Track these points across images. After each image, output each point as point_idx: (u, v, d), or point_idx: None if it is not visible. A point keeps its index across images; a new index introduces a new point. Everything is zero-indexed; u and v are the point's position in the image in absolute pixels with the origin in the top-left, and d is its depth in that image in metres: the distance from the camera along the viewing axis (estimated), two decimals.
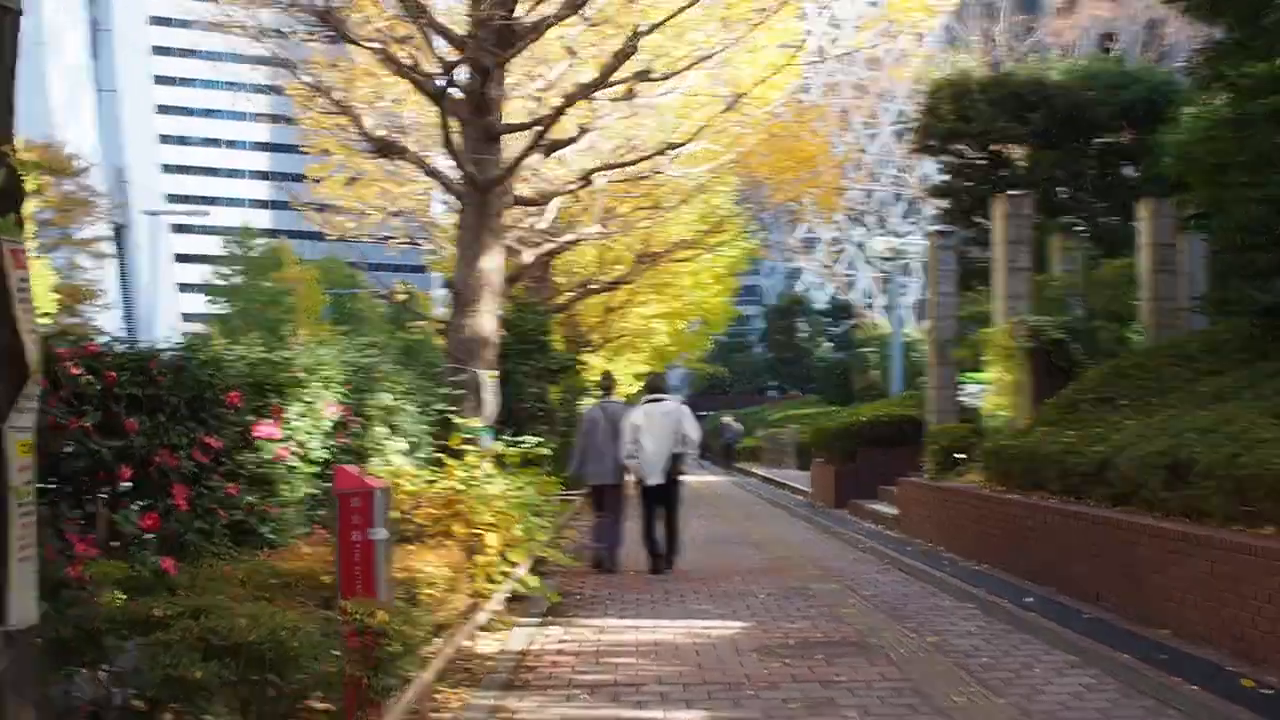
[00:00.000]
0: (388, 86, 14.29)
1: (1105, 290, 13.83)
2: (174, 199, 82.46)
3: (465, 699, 5.43)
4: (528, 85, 12.51)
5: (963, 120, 18.77)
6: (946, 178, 21.58)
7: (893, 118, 43.98)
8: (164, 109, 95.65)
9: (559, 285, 20.16)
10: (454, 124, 9.90)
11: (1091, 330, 13.03)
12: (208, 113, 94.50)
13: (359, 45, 9.81)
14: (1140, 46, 28.09)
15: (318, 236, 23.88)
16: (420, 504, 6.65)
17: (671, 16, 9.62)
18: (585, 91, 9.84)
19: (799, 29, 14.81)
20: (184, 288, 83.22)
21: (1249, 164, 8.92)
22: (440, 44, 10.05)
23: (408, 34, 10.12)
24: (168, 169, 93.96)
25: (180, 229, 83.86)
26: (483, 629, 6.69)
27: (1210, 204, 10.07)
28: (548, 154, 11.25)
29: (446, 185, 11.32)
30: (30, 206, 31.42)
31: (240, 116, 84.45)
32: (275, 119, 39.30)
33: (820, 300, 68.46)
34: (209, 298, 60.77)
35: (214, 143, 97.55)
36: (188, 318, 72.19)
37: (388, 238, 21.43)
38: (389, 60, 9.71)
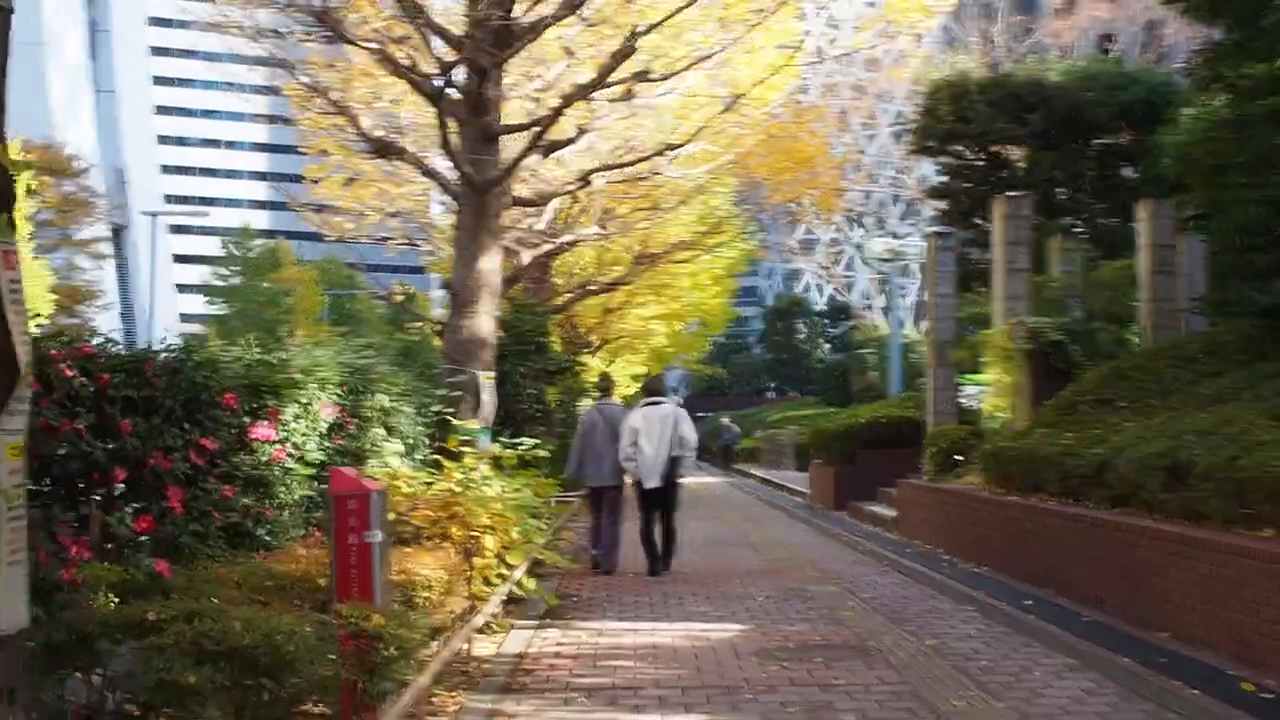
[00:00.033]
0: (385, 87, 14.26)
1: (1104, 292, 13.81)
2: (173, 199, 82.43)
3: (462, 702, 5.40)
4: (525, 86, 12.49)
5: (961, 121, 18.76)
6: (945, 179, 21.56)
7: (891, 119, 44.00)
8: (163, 109, 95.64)
9: (557, 286, 20.14)
10: (452, 124, 9.88)
11: (1090, 332, 13.02)
12: (206, 113, 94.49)
13: (356, 45, 9.79)
14: (1139, 47, 28.09)
15: (316, 237, 23.86)
16: (417, 506, 6.62)
17: (669, 17, 9.59)
18: (583, 92, 9.82)
19: (797, 29, 14.78)
20: (182, 288, 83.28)
21: (1248, 165, 8.90)
22: (438, 44, 10.03)
23: (405, 34, 10.10)
24: (166, 170, 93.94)
25: (179, 229, 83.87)
26: (480, 631, 6.66)
27: (1209, 205, 10.06)
28: (546, 155, 11.22)
29: (444, 186, 11.29)
30: (29, 207, 31.14)
31: (239, 117, 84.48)
32: (272, 119, 39.23)
33: (819, 302, 68.50)
34: (207, 298, 60.73)
35: (213, 143, 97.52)
36: (186, 318, 72.13)
37: (386, 239, 21.40)
38: (386, 60, 9.69)
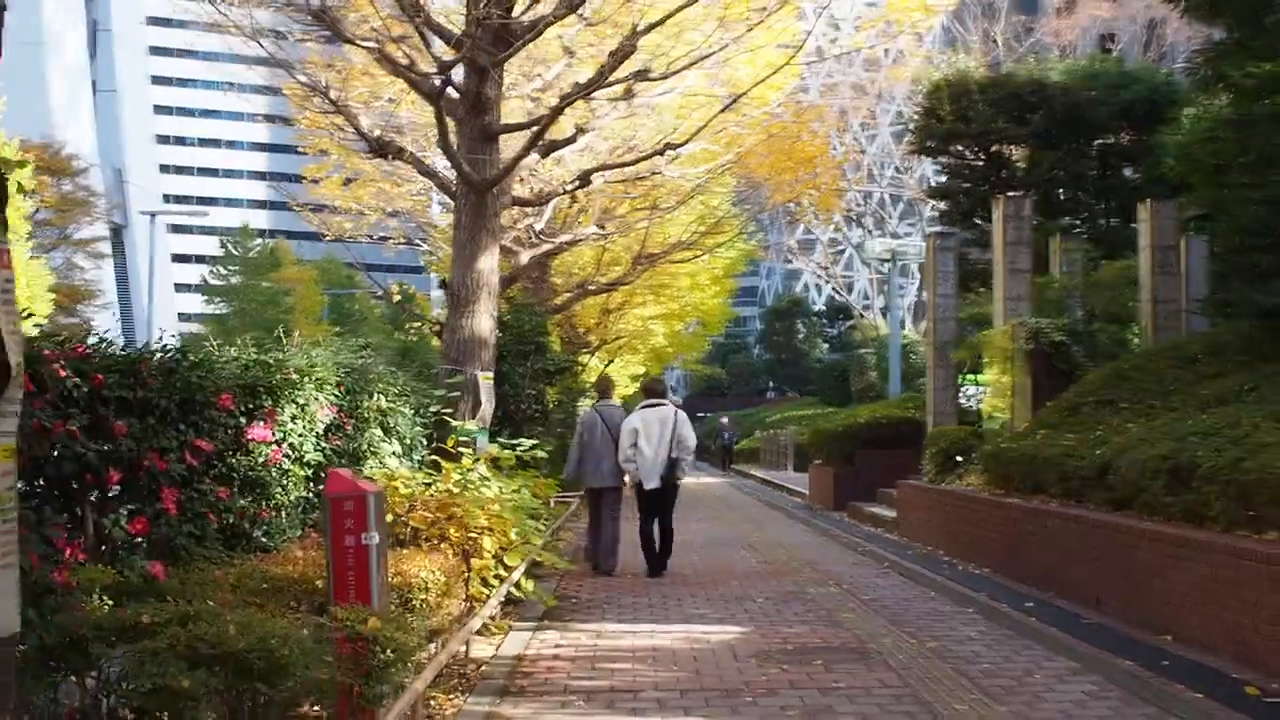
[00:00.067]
0: (384, 86, 14.23)
1: (1105, 292, 13.78)
2: (172, 199, 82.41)
3: (460, 705, 5.37)
4: (525, 85, 12.46)
5: (962, 121, 18.72)
6: (945, 179, 21.54)
7: (891, 118, 44.00)
8: (162, 109, 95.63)
9: (556, 286, 20.10)
10: (450, 124, 9.83)
11: (1091, 332, 12.99)
12: (206, 113, 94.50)
13: (355, 44, 9.74)
14: (1140, 47, 28.07)
15: (316, 237, 23.84)
16: (415, 507, 6.58)
17: (670, 16, 9.54)
18: (583, 91, 9.77)
19: (798, 29, 14.74)
20: (181, 288, 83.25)
21: (1251, 165, 8.87)
22: (437, 43, 9.99)
23: (404, 33, 10.06)
24: (165, 169, 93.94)
25: (178, 229, 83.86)
26: (478, 633, 6.63)
27: (1211, 205, 10.03)
28: (545, 154, 11.18)
29: (443, 185, 11.25)
30: (28, 206, 31.03)
31: (239, 117, 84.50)
32: (271, 119, 39.22)
33: (818, 302, 68.47)
34: (206, 298, 60.70)
35: (212, 143, 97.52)
36: (185, 318, 72.11)
37: (385, 238, 21.37)
38: (385, 59, 9.64)
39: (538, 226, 15.20)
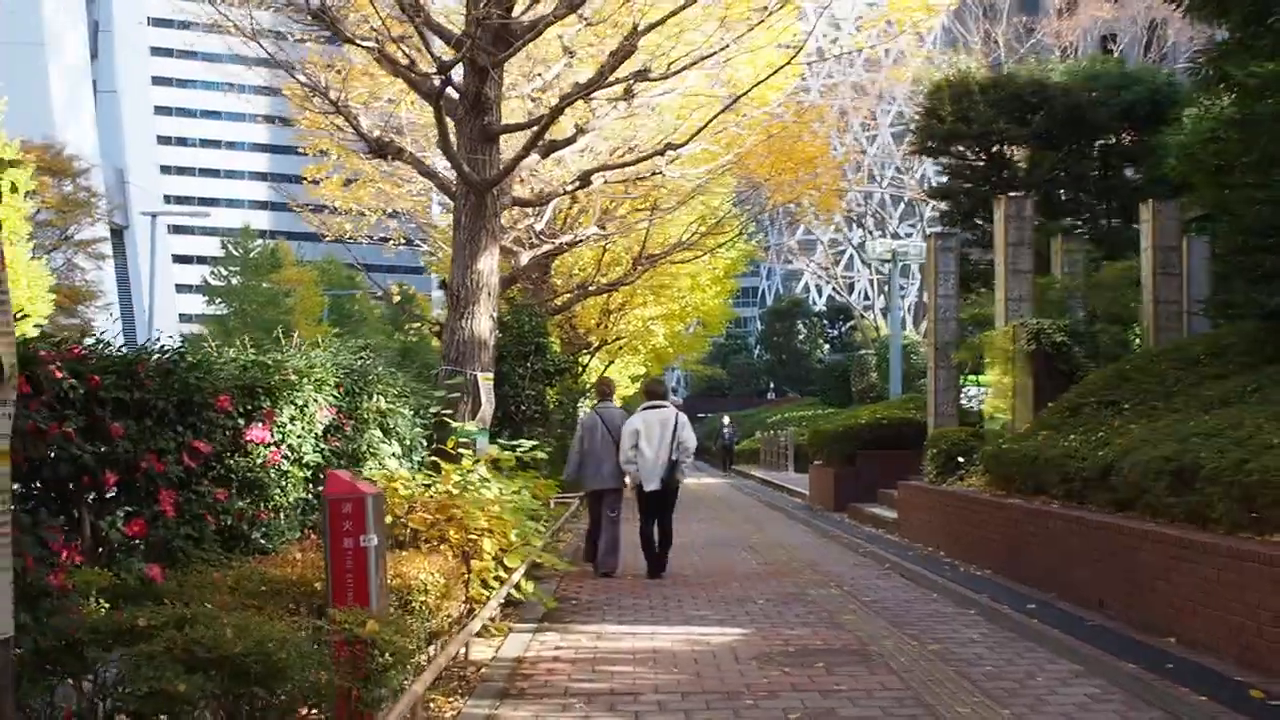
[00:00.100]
0: (384, 87, 14.21)
1: (1106, 293, 13.76)
2: (173, 200, 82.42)
3: (459, 708, 5.34)
4: (525, 85, 12.43)
5: (963, 121, 18.71)
6: (946, 179, 21.52)
7: (892, 119, 43.97)
8: (163, 110, 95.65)
9: (557, 287, 20.07)
10: (450, 124, 9.80)
11: (1093, 333, 12.97)
12: (207, 114, 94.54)
13: (354, 44, 9.71)
14: (1141, 48, 28.04)
15: (316, 237, 23.82)
16: (414, 508, 6.55)
17: (670, 15, 9.52)
18: (583, 91, 9.74)
19: (798, 29, 14.71)
20: (182, 289, 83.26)
21: (1255, 165, 8.84)
22: (437, 43, 9.96)
23: (404, 33, 10.03)
24: (166, 170, 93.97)
25: (178, 230, 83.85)
26: (477, 635, 6.60)
27: (1215, 206, 10.00)
28: (545, 155, 11.15)
29: (443, 186, 11.22)
30: (29, 207, 31.03)
31: (239, 118, 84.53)
32: (271, 119, 39.22)
33: (818, 302, 68.46)
34: (207, 299, 60.69)
35: (213, 144, 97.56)
36: (185, 319, 72.11)
37: (385, 239, 21.35)
38: (385, 59, 9.62)
39: (538, 227, 15.18)
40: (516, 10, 9.82)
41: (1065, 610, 7.88)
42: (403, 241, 22.09)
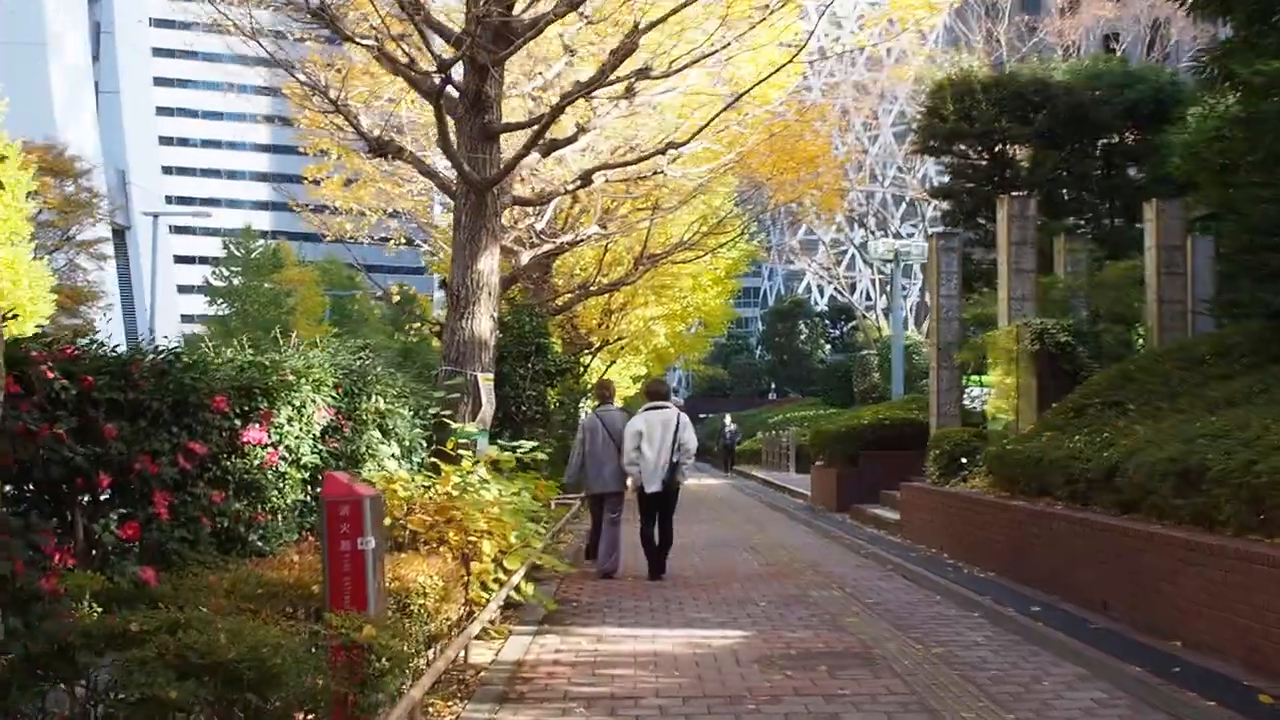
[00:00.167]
0: (384, 85, 14.16)
1: (1110, 292, 13.70)
2: (174, 200, 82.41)
3: (458, 712, 5.29)
4: (525, 84, 12.37)
5: (965, 120, 18.65)
6: (948, 179, 21.45)
7: (894, 118, 43.90)
8: (165, 110, 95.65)
9: (558, 287, 20.02)
10: (450, 123, 9.75)
11: (1097, 333, 12.90)
12: (209, 114, 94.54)
13: (354, 42, 9.65)
14: (1144, 47, 27.97)
15: (318, 238, 23.79)
16: (413, 510, 6.50)
17: (671, 14, 9.46)
18: (584, 89, 9.68)
19: (800, 27, 14.66)
20: (184, 289, 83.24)
21: (1260, 163, 8.78)
22: (437, 42, 9.91)
23: (404, 31, 9.98)
24: (168, 170, 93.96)
25: (180, 230, 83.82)
26: (477, 638, 6.54)
27: (1219, 204, 9.94)
28: (546, 153, 11.09)
29: (443, 185, 11.16)
30: (30, 208, 30.98)
31: (241, 118, 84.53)
32: (271, 119, 39.18)
33: (820, 303, 68.39)
34: (209, 299, 60.68)
35: (215, 144, 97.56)
36: (187, 319, 72.08)
37: (386, 239, 21.31)
38: (385, 58, 9.56)
39: (539, 226, 15.12)
40: (517, 8, 9.76)
41: (1070, 613, 7.82)
42: (403, 241, 22.05)
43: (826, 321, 61.35)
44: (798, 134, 19.10)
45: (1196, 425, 7.54)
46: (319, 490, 5.17)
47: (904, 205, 44.56)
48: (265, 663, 3.48)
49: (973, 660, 6.30)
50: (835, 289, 54.59)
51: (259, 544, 5.54)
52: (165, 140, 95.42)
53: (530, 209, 14.23)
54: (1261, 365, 8.91)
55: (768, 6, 10.13)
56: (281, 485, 5.76)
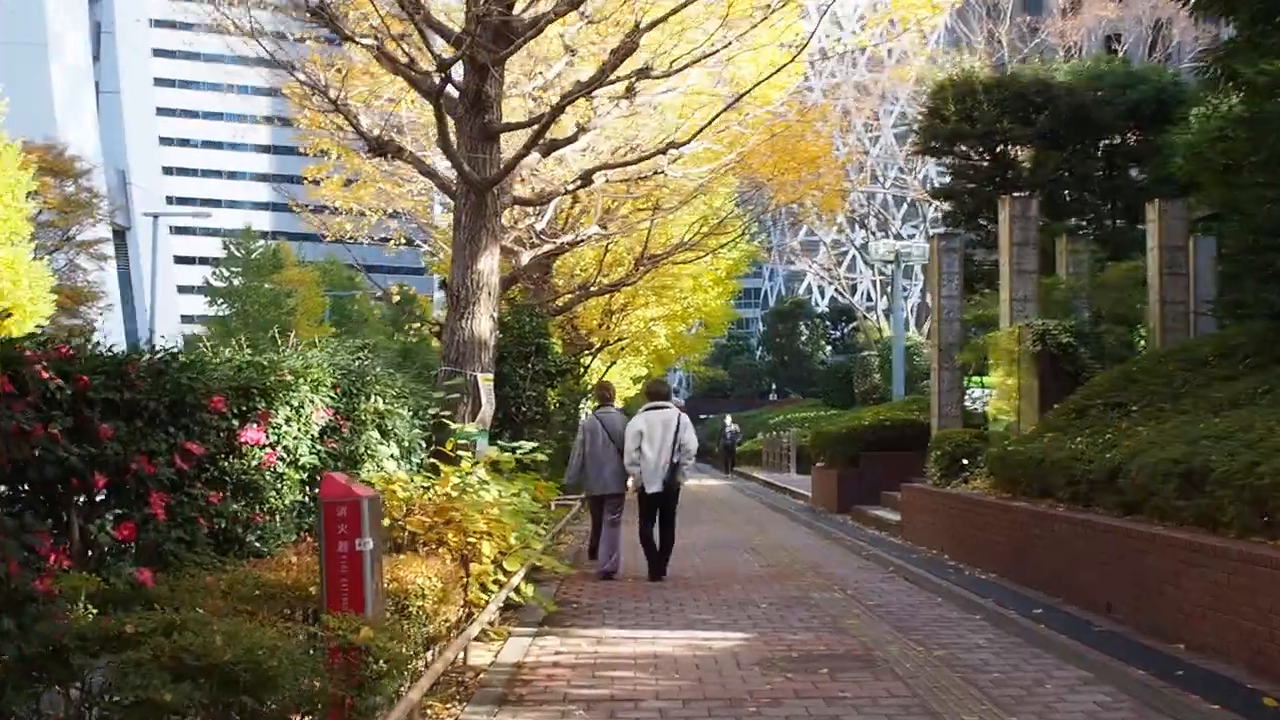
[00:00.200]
0: (384, 85, 14.13)
1: (1112, 293, 13.66)
2: (175, 201, 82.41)
3: (457, 714, 5.25)
4: (526, 84, 12.34)
5: (967, 121, 18.61)
6: (950, 179, 21.41)
7: (895, 119, 43.85)
8: (165, 111, 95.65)
9: (558, 287, 19.99)
10: (450, 123, 9.71)
11: (1099, 334, 12.87)
12: (209, 115, 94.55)
13: (354, 42, 9.62)
14: (1146, 48, 27.94)
15: (318, 238, 23.77)
16: (412, 511, 6.46)
17: (672, 13, 9.43)
18: (585, 89, 9.65)
19: (801, 27, 14.62)
20: (184, 289, 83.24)
21: (1264, 164, 8.74)
22: (437, 41, 9.88)
23: (403, 31, 9.94)
24: (168, 171, 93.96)
25: (180, 231, 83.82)
26: (476, 640, 6.50)
27: (1222, 205, 9.90)
28: (546, 153, 11.06)
29: (443, 185, 11.13)
30: (31, 208, 31.00)
31: (241, 118, 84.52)
32: (271, 120, 39.19)
33: (821, 303, 68.35)
34: (209, 300, 60.68)
35: (215, 145, 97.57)
36: (187, 319, 72.07)
37: (386, 239, 21.28)
38: (384, 57, 9.53)
39: (539, 227, 15.08)
40: (517, 8, 9.72)
41: (1072, 615, 7.78)
42: (403, 242, 22.02)
43: (827, 322, 61.29)
44: (799, 134, 19.07)
45: (1200, 426, 7.50)
46: (317, 491, 5.14)
47: (905, 206, 44.49)
48: (261, 665, 3.45)
49: (975, 663, 6.26)
50: (836, 290, 54.50)
51: (256, 545, 5.51)
52: (165, 141, 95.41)
53: (530, 209, 14.20)
54: (1265, 366, 8.87)
55: (768, 6, 10.09)
56: (279, 486, 5.73)
